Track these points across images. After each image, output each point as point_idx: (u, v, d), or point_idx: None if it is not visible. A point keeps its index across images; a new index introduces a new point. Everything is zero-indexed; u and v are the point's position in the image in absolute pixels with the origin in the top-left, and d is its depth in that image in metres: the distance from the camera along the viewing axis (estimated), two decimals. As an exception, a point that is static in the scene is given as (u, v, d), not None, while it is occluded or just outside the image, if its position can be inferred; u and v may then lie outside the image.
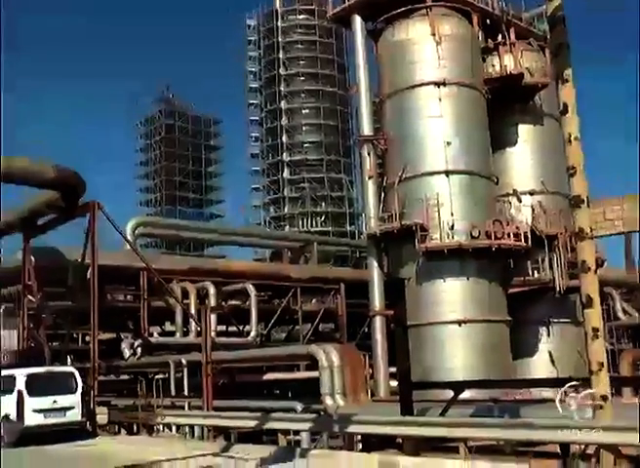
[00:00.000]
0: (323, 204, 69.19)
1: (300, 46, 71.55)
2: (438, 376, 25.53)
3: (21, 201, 28.22)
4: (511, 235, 28.02)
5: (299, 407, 20.50)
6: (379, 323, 28.81)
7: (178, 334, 31.45)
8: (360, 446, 17.86)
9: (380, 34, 31.12)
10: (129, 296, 34.57)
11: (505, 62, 31.10)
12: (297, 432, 18.69)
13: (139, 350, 29.92)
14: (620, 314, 42.18)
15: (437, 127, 28.78)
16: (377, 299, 29.01)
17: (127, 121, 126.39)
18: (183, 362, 26.54)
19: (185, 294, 31.23)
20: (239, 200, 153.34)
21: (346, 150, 70.80)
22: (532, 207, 31.16)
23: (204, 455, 15.48)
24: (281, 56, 70.94)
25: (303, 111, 70.57)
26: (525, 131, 32.54)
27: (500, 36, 31.89)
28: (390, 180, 29.35)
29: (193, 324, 30.38)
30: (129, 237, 34.72)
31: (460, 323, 27.32)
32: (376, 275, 29.27)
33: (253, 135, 75.10)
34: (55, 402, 19.59)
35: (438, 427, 13.73)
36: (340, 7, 31.68)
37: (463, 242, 27.43)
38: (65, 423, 19.77)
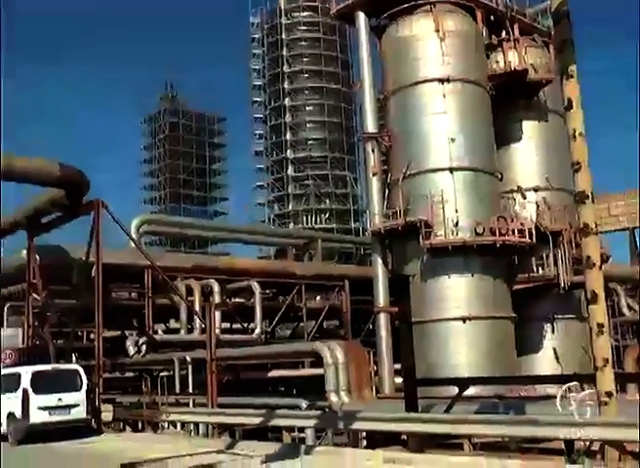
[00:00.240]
0: (327, 201, 69.14)
1: (303, 43, 71.42)
2: (443, 373, 25.50)
3: (21, 200, 28.28)
4: (516, 231, 27.98)
5: (303, 404, 20.51)
6: (383, 320, 28.82)
7: (182, 332, 31.52)
8: (365, 442, 17.86)
9: (384, 31, 31.07)
10: (133, 294, 34.63)
11: (510, 58, 30.99)
12: (301, 429, 18.68)
13: (143, 348, 29.99)
14: (625, 310, 42.11)
15: (441, 123, 28.73)
16: (381, 296, 29.00)
17: (132, 118, 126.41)
18: (188, 359, 26.59)
19: (190, 292, 31.28)
20: (243, 197, 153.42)
21: (350, 147, 70.77)
22: (536, 203, 31.08)
23: (209, 453, 15.48)
24: (285, 53, 70.87)
25: (307, 108, 70.49)
26: (529, 127, 32.46)
27: (503, 32, 31.78)
28: (394, 177, 29.32)
29: (198, 321, 30.41)
30: (133, 235, 34.76)
31: (464, 319, 27.29)
32: (380, 272, 29.24)
33: (257, 132, 75.11)
34: (60, 399, 19.61)
35: (443, 424, 13.73)
36: (344, 4, 31.61)
37: (468, 238, 27.39)
38: (70, 421, 19.78)
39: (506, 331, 28.19)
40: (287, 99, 70.31)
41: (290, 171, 69.63)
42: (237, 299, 36.03)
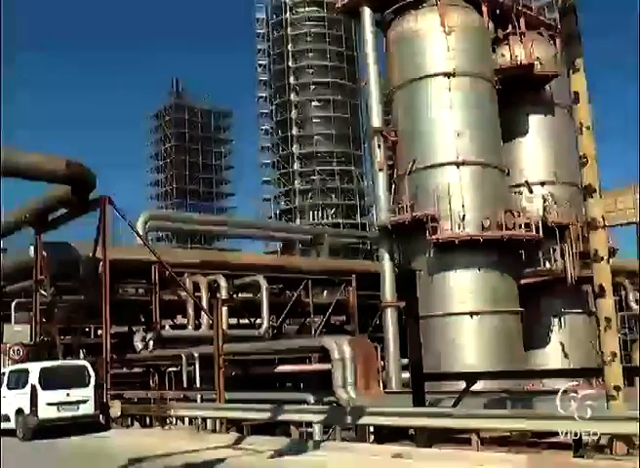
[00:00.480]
0: (333, 196, 69.17)
1: (309, 38, 71.40)
2: (450, 368, 25.46)
3: (23, 197, 28.35)
4: (522, 226, 27.93)
5: (311, 399, 20.50)
6: (390, 314, 28.81)
7: (189, 327, 31.51)
8: (372, 437, 17.87)
9: (390, 25, 30.98)
10: (140, 290, 34.69)
11: (516, 52, 30.87)
12: (309, 424, 18.68)
13: (151, 343, 30.01)
14: (633, 304, 41.93)
15: (447, 118, 28.65)
16: (388, 291, 28.98)
17: (138, 115, 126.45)
18: (195, 354, 26.63)
19: (197, 287, 31.28)
20: (250, 193, 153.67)
21: (357, 142, 70.71)
22: (543, 197, 31.00)
23: (216, 448, 15.52)
24: (290, 48, 70.84)
25: (313, 104, 70.50)
26: (536, 121, 32.36)
27: (509, 26, 31.68)
28: (401, 172, 29.27)
29: (205, 317, 30.42)
30: (140, 231, 34.79)
31: (471, 314, 27.24)
32: (387, 266, 29.23)
33: (263, 127, 75.19)
34: (68, 395, 19.72)
35: (450, 418, 13.71)
36: (349, -2, 31.57)
37: (475, 233, 27.32)
38: (79, 416, 19.89)
39: (513, 325, 28.12)
40: (293, 95, 70.32)
41: (296, 166, 69.67)
42: (244, 295, 36.06)
